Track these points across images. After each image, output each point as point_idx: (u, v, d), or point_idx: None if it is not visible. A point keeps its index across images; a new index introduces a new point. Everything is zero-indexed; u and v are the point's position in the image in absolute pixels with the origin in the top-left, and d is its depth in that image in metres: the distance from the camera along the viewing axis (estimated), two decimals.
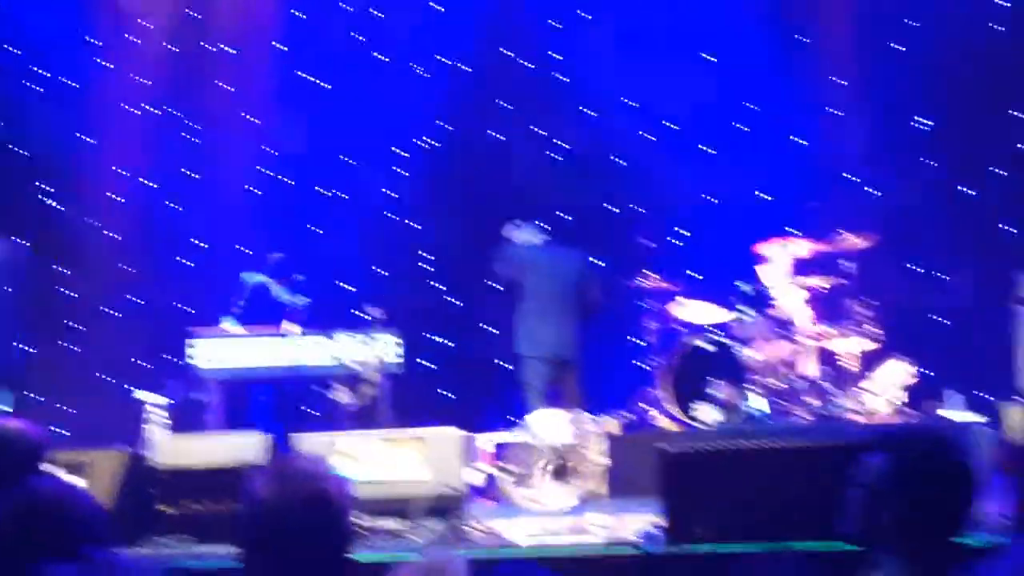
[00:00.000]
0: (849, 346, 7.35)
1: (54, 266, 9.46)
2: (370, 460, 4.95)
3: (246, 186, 9.69)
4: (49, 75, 9.73)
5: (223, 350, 7.45)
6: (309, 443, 5.25)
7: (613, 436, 6.69)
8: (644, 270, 7.68)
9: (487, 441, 7.19)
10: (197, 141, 9.85)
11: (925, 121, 8.95)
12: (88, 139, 9.66)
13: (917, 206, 8.64)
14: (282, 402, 7.89)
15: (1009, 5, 8.76)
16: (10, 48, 9.63)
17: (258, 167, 9.75)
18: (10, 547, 2.07)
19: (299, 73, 9.81)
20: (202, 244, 9.68)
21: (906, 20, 8.95)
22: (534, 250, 7.48)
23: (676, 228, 9.26)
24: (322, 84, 9.80)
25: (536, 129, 9.66)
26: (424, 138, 9.73)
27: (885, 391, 7.26)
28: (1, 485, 2.39)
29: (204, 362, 7.44)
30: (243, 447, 5.01)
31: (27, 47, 9.61)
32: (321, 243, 9.44)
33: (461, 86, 9.69)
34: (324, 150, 9.64)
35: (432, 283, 9.61)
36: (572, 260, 7.54)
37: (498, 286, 7.39)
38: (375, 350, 6.91)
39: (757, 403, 7.04)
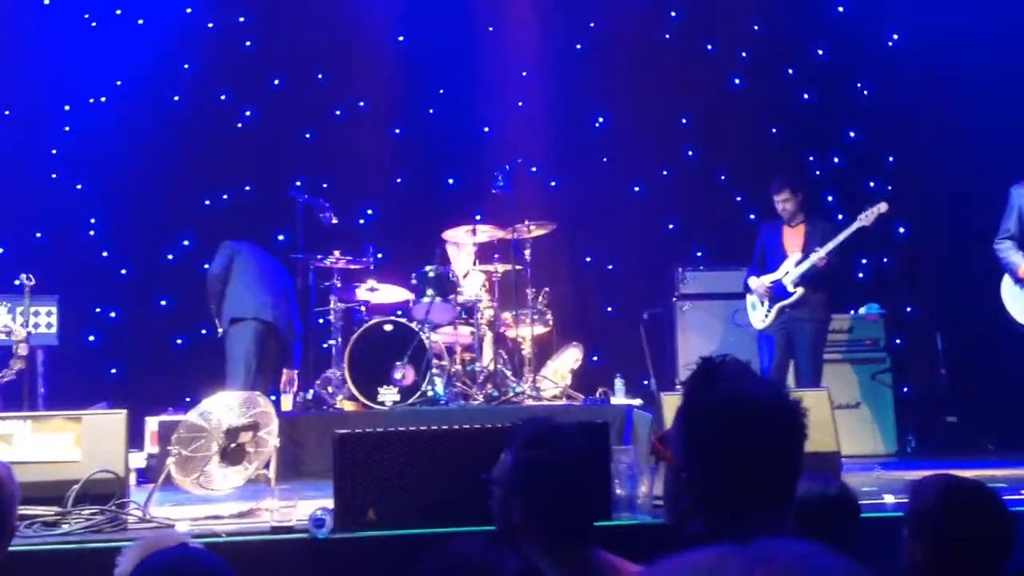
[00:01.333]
0: (525, 332, 7.64)
1: None
2: (21, 442, 4.53)
3: None
4: None
5: None
6: None
7: (289, 417, 6.57)
8: (331, 250, 7.58)
9: (153, 422, 6.83)
10: None
11: (599, 119, 9.50)
12: None
13: (590, 199, 9.13)
14: None
15: (675, 15, 9.46)
16: None
17: None
18: None
19: None
20: None
21: (587, 20, 9.43)
22: None
23: (367, 210, 9.25)
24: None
25: (222, 96, 9.28)
26: (99, 97, 9.07)
27: (557, 376, 7.63)
28: None
29: None
30: None
31: None
32: None
33: (138, 40, 9.07)
34: None
35: (101, 252, 8.98)
36: None
37: None
38: (26, 321, 6.33)
39: (436, 386, 7.15)
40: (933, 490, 2.52)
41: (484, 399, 7.24)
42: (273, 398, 6.80)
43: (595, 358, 8.58)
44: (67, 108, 9.06)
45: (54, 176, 8.95)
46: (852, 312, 7.87)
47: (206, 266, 8.62)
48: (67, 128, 9.01)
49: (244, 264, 7.32)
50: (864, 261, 8.95)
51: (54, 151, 8.99)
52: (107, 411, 5.05)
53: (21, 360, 5.24)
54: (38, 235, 8.76)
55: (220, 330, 7.24)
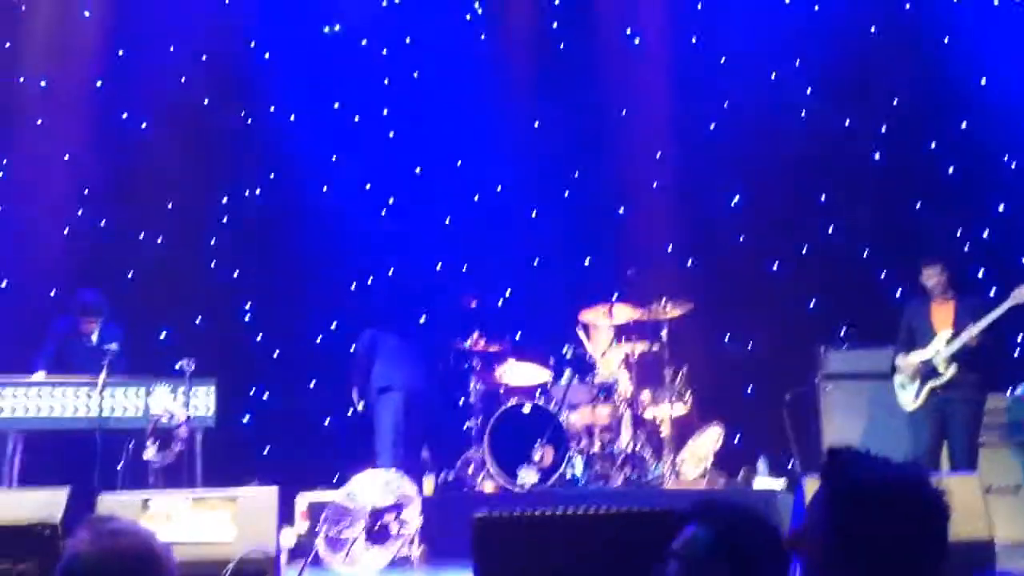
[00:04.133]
0: (664, 412, 7.60)
1: None
2: (180, 521, 4.76)
3: (65, 229, 9.26)
4: None
5: (25, 399, 7.03)
6: (117, 501, 5.00)
7: (429, 498, 6.68)
8: (470, 332, 7.75)
9: (303, 500, 7.06)
10: (1, 175, 9.36)
11: (735, 199, 9.48)
12: None
13: (728, 278, 9.08)
14: (87, 456, 7.48)
15: (809, 92, 9.42)
16: None
17: (79, 210, 9.35)
18: None
19: (123, 115, 9.51)
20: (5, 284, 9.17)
21: (720, 100, 9.49)
22: None
23: (505, 291, 9.43)
24: (142, 125, 9.50)
25: (367, 185, 9.69)
26: (254, 189, 9.59)
27: (697, 457, 7.54)
28: None
29: (5, 413, 7.00)
30: (40, 505, 4.73)
31: None
32: (135, 290, 9.09)
33: (289, 136, 9.59)
34: (142, 193, 9.35)
35: (255, 336, 9.42)
36: None
37: None
38: (187, 403, 6.67)
39: (576, 467, 7.16)
40: None
41: (623, 481, 7.21)
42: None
43: (736, 439, 8.44)
44: (224, 200, 9.60)
45: (212, 265, 9.46)
46: (1009, 392, 7.51)
47: (351, 349, 8.97)
48: (224, 219, 9.54)
49: (388, 342, 7.75)
50: (1020, 338, 8.58)
51: (212, 241, 9.51)
52: (260, 488, 5.25)
53: (181, 442, 5.52)
54: (197, 320, 9.25)
55: (360, 405, 7.58)
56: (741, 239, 9.35)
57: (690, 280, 8.93)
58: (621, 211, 9.54)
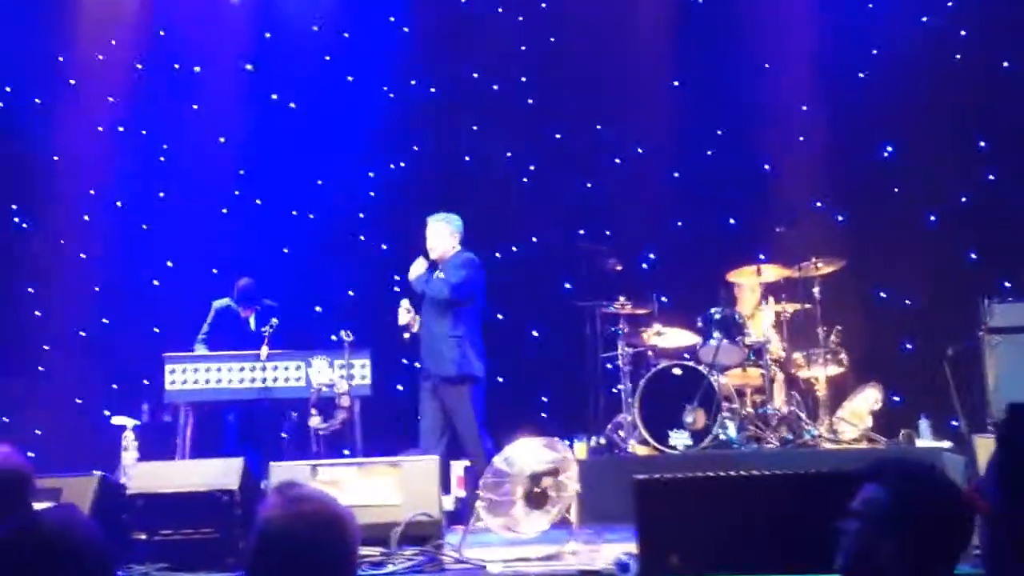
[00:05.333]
0: (818, 372, 7.44)
1: (28, 288, 9.39)
2: (348, 487, 4.95)
3: (223, 209, 9.67)
4: (14, 92, 9.66)
5: (195, 374, 7.41)
6: (288, 468, 5.24)
7: (584, 462, 6.73)
8: (617, 296, 7.73)
9: (458, 467, 7.23)
10: (163, 159, 9.82)
11: (887, 148, 9.14)
12: (56, 158, 9.60)
13: (882, 232, 8.78)
14: (254, 427, 7.85)
15: (964, 35, 8.97)
16: None
17: (235, 190, 9.74)
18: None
19: (272, 96, 9.83)
20: (172, 265, 9.65)
21: (868, 47, 9.14)
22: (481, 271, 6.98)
23: (649, 254, 9.37)
24: (291, 105, 9.82)
25: (508, 153, 9.74)
26: (399, 162, 9.78)
27: (855, 418, 7.36)
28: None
29: (176, 386, 7.40)
30: (217, 473, 4.98)
31: None
32: (292, 265, 9.44)
33: (429, 107, 9.75)
34: (294, 171, 9.66)
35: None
36: None
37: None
38: (347, 373, 6.89)
39: (728, 429, 7.10)
40: None
41: (778, 443, 7.11)
42: (567, 442, 6.99)
43: (895, 398, 8.19)
44: (371, 175, 9.83)
45: (362, 238, 9.71)
46: None
47: (499, 316, 9.08)
48: (372, 194, 9.78)
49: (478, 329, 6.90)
50: None
51: (361, 215, 9.76)
52: (421, 457, 5.40)
53: (344, 411, 5.72)
54: (351, 293, 9.53)
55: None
56: (895, 191, 9.02)
57: (841, 236, 8.68)
58: (767, 168, 9.32)
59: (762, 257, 8.06)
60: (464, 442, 6.62)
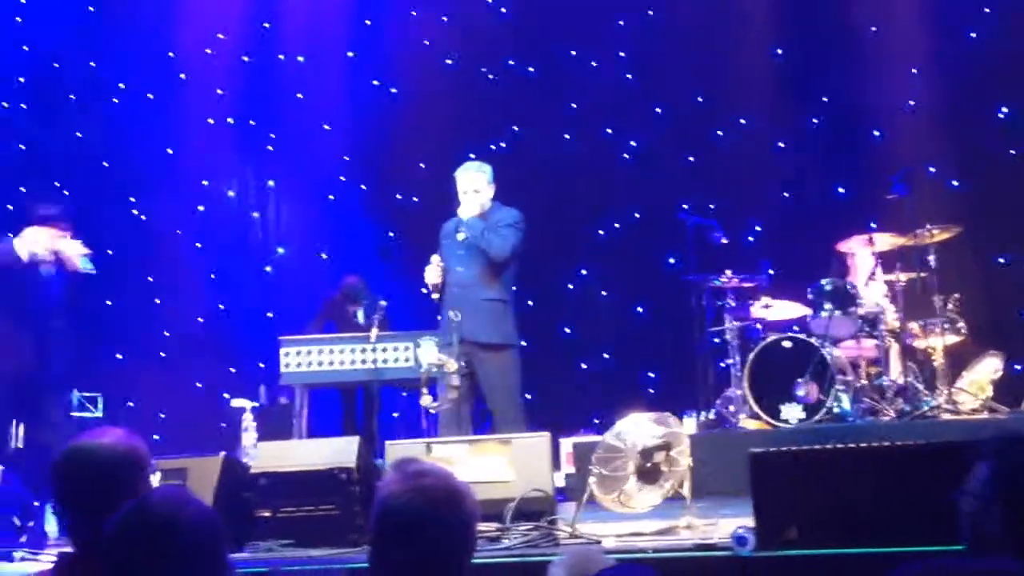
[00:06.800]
0: (935, 341, 7.24)
1: (148, 277, 9.76)
2: (461, 464, 5.01)
3: (329, 195, 9.87)
4: (128, 88, 10.03)
5: (308, 356, 7.61)
6: (403, 447, 5.34)
7: (695, 436, 6.69)
8: (723, 269, 7.65)
9: (568, 443, 7.27)
10: (270, 148, 10.06)
11: (1003, 109, 8.81)
12: (170, 151, 9.93)
13: (997, 196, 8.48)
14: (366, 407, 8.03)
15: None
16: (96, 64, 9.94)
17: (341, 176, 9.93)
18: (131, 559, 2.03)
19: (374, 82, 9.98)
20: (283, 252, 9.90)
21: (980, 5, 8.82)
22: None
23: (755, 226, 9.23)
24: (392, 90, 9.95)
25: (608, 130, 9.70)
26: (499, 143, 9.83)
27: (975, 388, 7.15)
28: (116, 495, 2.41)
29: (291, 369, 7.60)
30: (335, 452, 5.11)
31: (113, 62, 9.91)
32: (397, 249, 9.58)
33: (528, 87, 9.76)
34: (397, 155, 9.79)
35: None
36: None
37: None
38: (456, 352, 6.96)
39: (842, 402, 6.97)
40: None
41: (895, 414, 6.95)
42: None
43: (1017, 367, 7.93)
44: (472, 157, 9.88)
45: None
46: None
47: (603, 292, 9.07)
48: None
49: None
50: None
51: None
52: (532, 434, 5.44)
53: (455, 389, 5.79)
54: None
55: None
56: (1012, 152, 8.69)
57: (956, 201, 8.41)
58: (876, 134, 9.08)
59: (873, 226, 7.86)
60: (500, 414, 6.07)
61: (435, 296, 6.24)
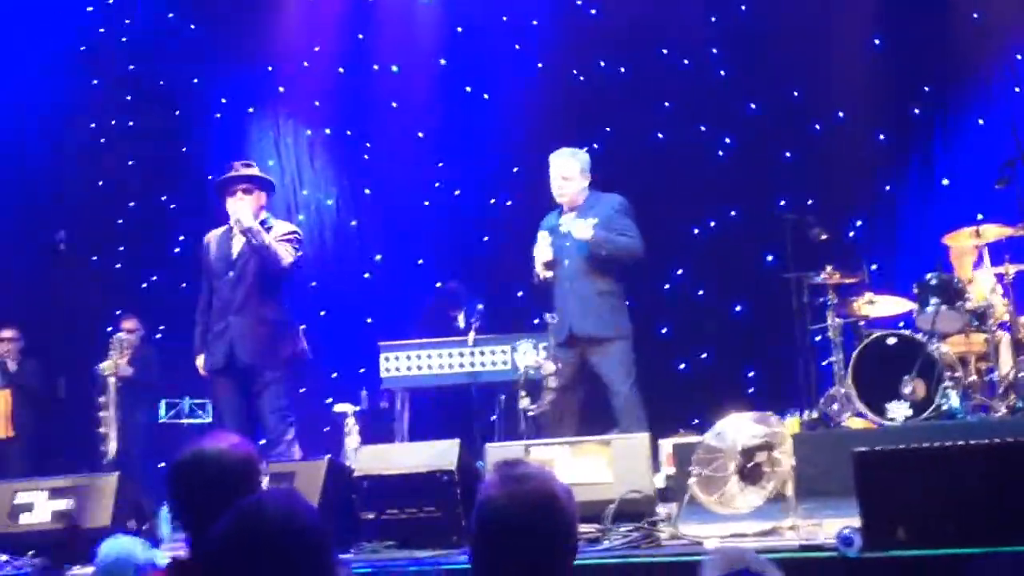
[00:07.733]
0: None
1: None
2: (561, 465, 5.03)
3: (424, 202, 9.99)
4: (230, 103, 10.31)
5: (408, 361, 7.72)
6: (502, 450, 5.38)
7: (798, 436, 6.58)
8: (823, 266, 7.51)
9: (667, 444, 7.21)
10: (366, 157, 10.24)
11: None
12: (271, 162, 10.18)
13: None
14: (465, 410, 8.11)
15: None
16: (198, 80, 10.25)
17: (435, 183, 10.05)
18: (250, 558, 2.05)
19: (466, 89, 10.07)
20: (381, 258, 10.06)
21: None
22: None
23: (855, 221, 9.04)
24: (485, 96, 10.03)
25: (702, 128, 9.60)
26: (593, 144, 9.81)
27: None
28: (233, 498, 2.48)
29: (391, 373, 7.73)
30: (436, 454, 5.18)
31: (214, 78, 10.21)
32: (492, 252, 9.65)
33: (620, 88, 9.73)
34: (490, 160, 9.86)
35: None
36: None
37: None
38: (552, 355, 6.98)
39: (951, 398, 6.77)
40: None
41: (1007, 410, 6.72)
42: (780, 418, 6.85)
43: None
44: None
45: None
46: None
47: (700, 292, 8.97)
48: None
49: None
50: None
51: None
52: (632, 435, 5.43)
53: (552, 391, 5.81)
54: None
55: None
56: None
57: None
58: (980, 123, 8.80)
59: (980, 216, 7.62)
60: (621, 404, 6.04)
61: (548, 275, 6.10)
